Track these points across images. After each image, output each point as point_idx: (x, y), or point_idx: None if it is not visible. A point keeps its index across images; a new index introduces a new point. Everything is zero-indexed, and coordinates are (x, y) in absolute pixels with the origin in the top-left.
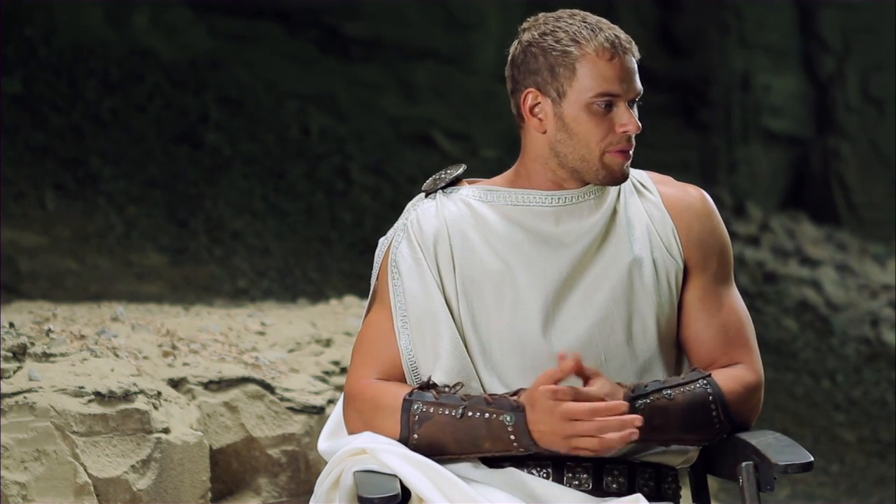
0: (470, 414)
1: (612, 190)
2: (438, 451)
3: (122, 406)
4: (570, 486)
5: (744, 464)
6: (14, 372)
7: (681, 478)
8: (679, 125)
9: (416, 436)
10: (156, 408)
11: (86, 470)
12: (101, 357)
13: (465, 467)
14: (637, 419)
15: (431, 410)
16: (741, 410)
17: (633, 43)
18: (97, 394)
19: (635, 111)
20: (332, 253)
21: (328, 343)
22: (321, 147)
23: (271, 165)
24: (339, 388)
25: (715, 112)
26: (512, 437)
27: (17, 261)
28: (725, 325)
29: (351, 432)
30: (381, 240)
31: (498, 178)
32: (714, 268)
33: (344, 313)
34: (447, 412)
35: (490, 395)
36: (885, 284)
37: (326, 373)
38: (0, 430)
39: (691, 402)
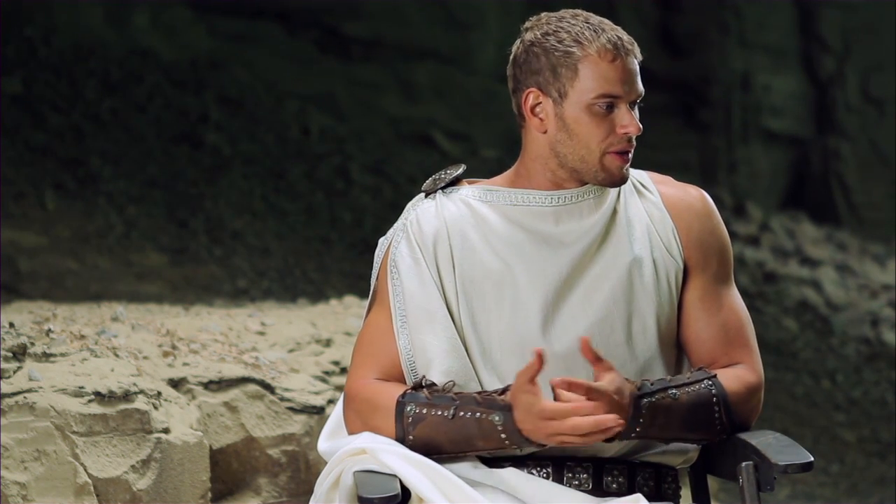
0: (461, 414)
1: (612, 190)
2: (435, 451)
3: (122, 406)
4: (570, 486)
5: (744, 464)
6: (14, 372)
7: (681, 478)
8: (679, 125)
9: (411, 437)
10: (156, 408)
11: (86, 470)
12: (101, 357)
13: (465, 467)
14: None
15: (424, 411)
16: (742, 411)
17: (636, 44)
18: (97, 394)
19: (636, 113)
20: (332, 253)
21: (328, 343)
22: (321, 147)
23: (271, 165)
24: (339, 388)
25: (715, 112)
26: (503, 435)
27: (17, 261)
28: (725, 325)
29: (350, 433)
30: (381, 240)
31: (498, 178)
32: (714, 268)
33: (344, 313)
34: (439, 413)
35: (480, 392)
36: (885, 284)
37: (326, 373)
38: (0, 430)
39: (695, 402)
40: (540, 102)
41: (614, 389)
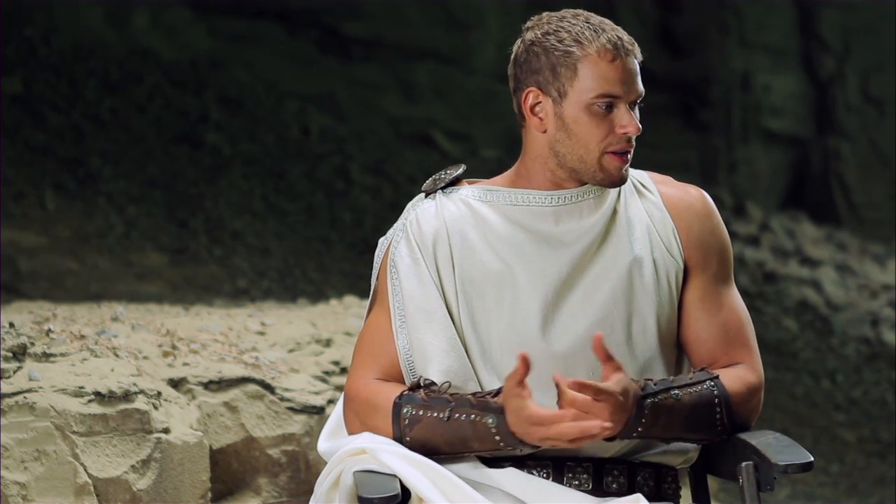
0: (456, 416)
1: (612, 190)
2: (432, 452)
3: (122, 406)
4: (570, 486)
5: (744, 464)
6: (14, 372)
7: (681, 478)
8: (679, 125)
9: (408, 438)
10: (156, 408)
11: (86, 470)
12: (101, 357)
13: (465, 467)
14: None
15: (420, 413)
16: (742, 411)
17: (636, 45)
18: (97, 394)
19: (637, 113)
20: (332, 253)
21: (328, 343)
22: (321, 147)
23: (271, 165)
24: (339, 388)
25: (715, 112)
26: (497, 437)
27: (17, 261)
28: (726, 325)
29: (350, 433)
30: (381, 240)
31: (498, 178)
32: (714, 268)
33: (344, 313)
34: (435, 414)
35: (475, 394)
36: (885, 284)
37: (326, 373)
38: (0, 430)
39: (697, 403)
40: (539, 102)
41: (621, 390)
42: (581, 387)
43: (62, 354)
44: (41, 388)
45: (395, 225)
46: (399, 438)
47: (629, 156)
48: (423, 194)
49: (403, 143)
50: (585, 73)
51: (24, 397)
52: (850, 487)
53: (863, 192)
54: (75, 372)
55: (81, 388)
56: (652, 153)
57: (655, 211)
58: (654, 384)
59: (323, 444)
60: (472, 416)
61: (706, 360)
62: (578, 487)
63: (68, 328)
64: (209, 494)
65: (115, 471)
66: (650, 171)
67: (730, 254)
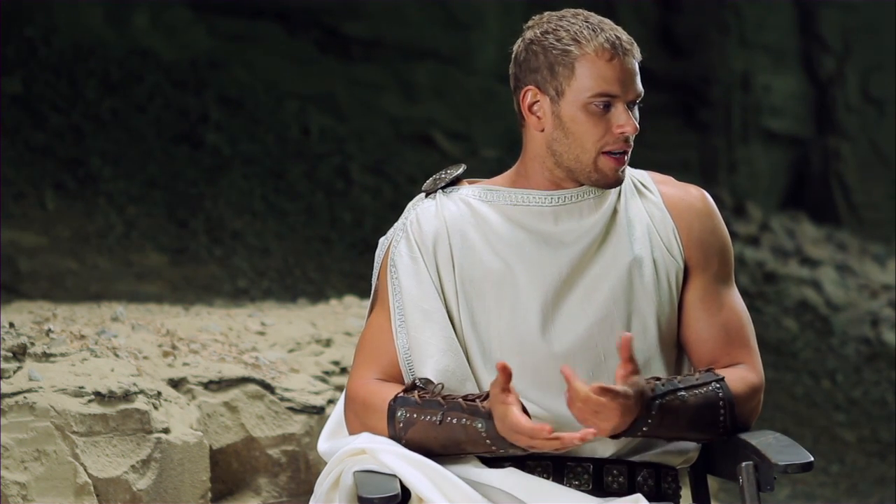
0: (448, 419)
1: (613, 190)
2: (429, 454)
3: (122, 406)
4: (570, 486)
5: (744, 464)
6: (14, 372)
7: (681, 478)
8: (679, 125)
9: (404, 440)
10: (156, 408)
11: (86, 470)
12: (101, 357)
13: (465, 467)
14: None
15: (414, 416)
16: (744, 412)
17: (635, 44)
18: (97, 394)
19: (636, 113)
20: (332, 253)
21: (328, 343)
22: (321, 147)
23: (271, 165)
24: (339, 388)
25: (715, 112)
26: (488, 441)
27: (17, 261)
28: (726, 325)
29: (350, 433)
30: (381, 240)
31: (498, 178)
32: (715, 268)
33: (344, 313)
34: (427, 418)
35: (465, 397)
36: (885, 284)
37: (326, 373)
38: (0, 430)
39: (702, 405)
40: (538, 101)
41: (635, 394)
42: (603, 391)
43: (62, 354)
44: (41, 388)
45: (396, 224)
46: (396, 440)
47: (626, 157)
48: (423, 194)
49: (403, 143)
50: (583, 72)
51: (24, 397)
52: (850, 487)
53: (863, 192)
54: (75, 372)
55: (81, 388)
56: (652, 153)
57: (656, 211)
58: (662, 384)
59: (323, 445)
60: (463, 420)
61: (706, 360)
62: (578, 487)
63: (68, 328)
64: (209, 494)
65: (115, 471)
66: (650, 171)
67: (730, 254)
